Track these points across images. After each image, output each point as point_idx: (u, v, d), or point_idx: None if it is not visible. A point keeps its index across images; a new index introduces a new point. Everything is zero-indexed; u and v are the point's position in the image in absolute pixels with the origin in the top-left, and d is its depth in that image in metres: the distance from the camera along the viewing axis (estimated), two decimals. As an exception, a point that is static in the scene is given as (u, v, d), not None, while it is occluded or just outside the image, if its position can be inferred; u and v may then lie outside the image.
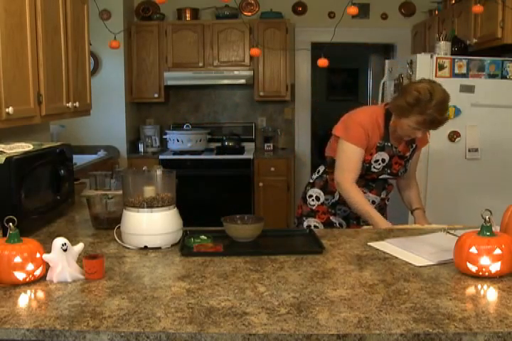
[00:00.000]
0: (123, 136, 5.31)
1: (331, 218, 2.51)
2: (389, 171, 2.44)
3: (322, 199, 2.53)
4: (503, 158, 3.77)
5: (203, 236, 1.97)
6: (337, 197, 2.48)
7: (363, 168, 2.39)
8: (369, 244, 1.95)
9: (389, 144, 2.39)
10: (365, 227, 2.31)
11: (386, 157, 2.39)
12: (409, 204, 2.61)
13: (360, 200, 2.34)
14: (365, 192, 2.44)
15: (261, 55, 5.13)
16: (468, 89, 3.68)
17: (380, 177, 2.46)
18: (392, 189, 2.58)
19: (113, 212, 2.16)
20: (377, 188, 2.49)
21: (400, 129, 2.30)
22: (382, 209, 2.56)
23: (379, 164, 2.40)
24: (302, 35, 5.66)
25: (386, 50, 6.25)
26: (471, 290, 1.52)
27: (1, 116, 2.19)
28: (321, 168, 2.60)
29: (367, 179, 2.44)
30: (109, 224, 2.10)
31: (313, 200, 2.54)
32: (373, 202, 2.48)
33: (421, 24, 5.41)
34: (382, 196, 2.52)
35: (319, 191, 2.53)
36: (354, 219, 2.51)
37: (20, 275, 1.52)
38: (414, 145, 2.47)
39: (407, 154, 2.46)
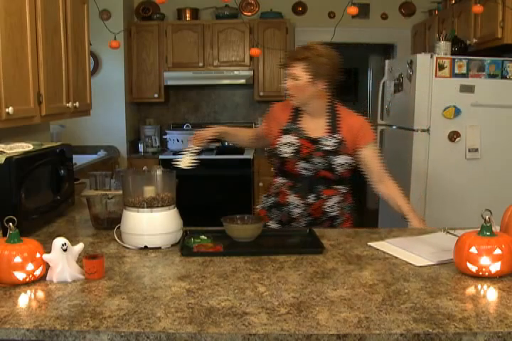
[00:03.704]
0: (123, 136, 5.31)
1: (269, 223, 2.39)
2: (299, 156, 2.28)
3: (262, 202, 2.47)
4: (503, 158, 3.78)
5: (203, 236, 1.97)
6: (271, 200, 2.40)
7: (274, 155, 2.33)
8: (369, 244, 1.95)
9: (295, 127, 2.33)
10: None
11: (293, 140, 2.30)
12: (398, 209, 2.33)
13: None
14: (288, 194, 2.32)
15: (261, 55, 5.13)
16: (468, 89, 3.69)
17: (300, 169, 2.29)
18: (333, 196, 2.32)
19: (113, 212, 2.16)
20: (302, 190, 2.31)
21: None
22: (319, 220, 2.32)
23: (287, 147, 2.29)
24: (302, 35, 5.65)
25: (386, 50, 6.25)
26: (471, 290, 1.52)
27: (1, 116, 2.19)
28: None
29: (291, 176, 2.31)
30: (109, 224, 2.11)
31: (259, 204, 2.50)
32: (296, 207, 2.30)
33: (421, 24, 5.41)
34: (309, 201, 2.30)
35: (264, 194, 2.49)
36: (286, 223, 2.35)
37: (20, 275, 1.52)
38: (337, 136, 2.28)
39: (322, 141, 2.27)
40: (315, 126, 2.31)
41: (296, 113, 2.35)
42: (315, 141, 2.28)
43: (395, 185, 2.37)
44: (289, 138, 2.30)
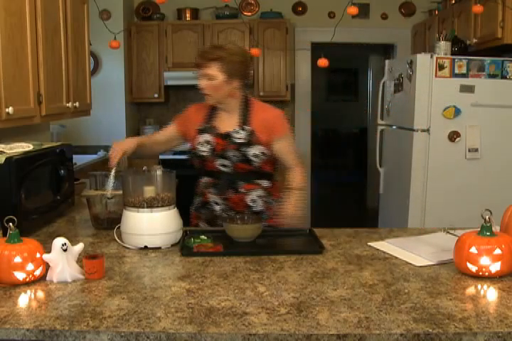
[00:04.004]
0: (123, 136, 5.30)
1: (199, 223, 2.42)
2: (216, 153, 2.32)
3: (193, 204, 2.48)
4: (503, 158, 3.77)
5: (203, 236, 1.97)
6: (198, 200, 2.43)
7: (194, 154, 2.38)
8: (369, 244, 1.95)
9: (209, 125, 2.36)
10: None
11: (208, 138, 2.33)
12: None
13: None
14: (210, 192, 2.36)
15: (261, 55, 5.13)
16: (468, 89, 3.69)
17: (218, 165, 2.32)
18: (254, 190, 2.35)
19: (113, 212, 2.16)
20: (222, 186, 2.34)
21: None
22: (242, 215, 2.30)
23: (204, 146, 2.33)
24: (302, 35, 5.66)
25: (386, 50, 6.25)
26: (471, 290, 1.52)
27: (1, 116, 2.19)
28: None
29: (212, 174, 2.34)
30: (109, 224, 2.11)
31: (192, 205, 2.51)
32: (216, 204, 2.34)
33: (421, 24, 5.41)
34: (227, 195, 2.34)
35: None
36: (212, 222, 2.37)
37: (20, 275, 1.52)
38: (247, 128, 2.29)
39: (233, 134, 2.30)
40: (228, 122, 2.35)
41: (212, 112, 2.38)
42: (226, 136, 2.32)
43: (301, 173, 2.45)
44: (205, 137, 2.34)
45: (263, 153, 2.31)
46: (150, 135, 2.55)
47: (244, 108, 2.34)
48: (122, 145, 2.24)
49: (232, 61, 2.22)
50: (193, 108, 2.48)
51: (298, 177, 2.44)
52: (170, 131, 2.50)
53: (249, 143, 2.30)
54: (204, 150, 2.34)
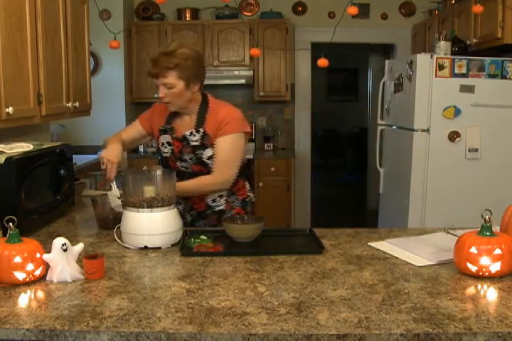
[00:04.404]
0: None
1: None
2: (175, 155, 2.32)
3: None
4: (503, 158, 3.77)
5: (203, 236, 1.97)
6: None
7: (159, 154, 2.39)
8: (369, 244, 1.95)
9: (169, 127, 2.35)
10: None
11: (169, 139, 2.34)
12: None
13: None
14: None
15: (261, 55, 5.13)
16: (468, 89, 3.69)
17: (179, 167, 2.31)
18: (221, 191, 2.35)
19: (119, 212, 2.12)
20: None
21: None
22: (204, 214, 2.36)
23: (165, 147, 2.35)
24: (302, 35, 5.66)
25: (386, 50, 6.25)
26: (471, 290, 1.52)
27: (1, 116, 2.19)
28: None
29: (177, 173, 2.25)
30: (115, 223, 2.07)
31: None
32: (179, 203, 2.25)
33: (421, 24, 5.41)
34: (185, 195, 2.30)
35: None
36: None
37: (20, 275, 1.52)
38: (201, 130, 2.27)
39: (189, 137, 2.29)
40: (185, 124, 2.34)
41: (173, 113, 2.36)
42: (183, 139, 2.32)
43: (207, 179, 2.27)
44: (167, 138, 2.36)
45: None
46: (119, 133, 2.49)
47: (202, 109, 2.32)
48: (113, 155, 2.20)
49: (189, 66, 2.18)
50: (157, 107, 2.46)
51: (197, 184, 2.27)
52: (136, 129, 2.50)
53: (203, 146, 2.28)
54: (165, 151, 2.36)
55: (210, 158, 2.28)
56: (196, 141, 2.28)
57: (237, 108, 2.39)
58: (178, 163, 2.33)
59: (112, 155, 2.21)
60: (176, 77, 2.18)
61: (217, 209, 2.36)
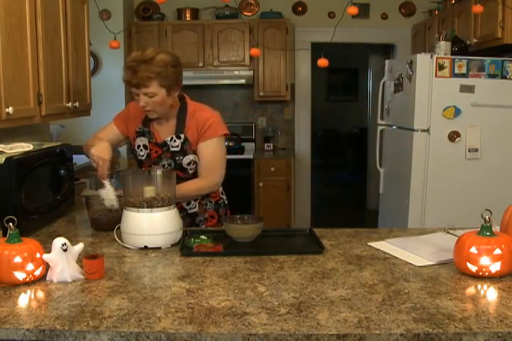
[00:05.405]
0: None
1: None
2: (151, 159, 2.32)
3: None
4: (503, 158, 3.77)
5: (203, 236, 1.97)
6: None
7: (134, 155, 2.38)
8: (369, 244, 1.95)
9: (147, 130, 2.33)
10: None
11: (146, 143, 2.32)
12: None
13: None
14: None
15: (261, 55, 5.13)
16: (468, 89, 3.69)
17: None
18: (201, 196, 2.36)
19: (115, 211, 2.12)
20: None
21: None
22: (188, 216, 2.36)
23: (141, 150, 2.33)
24: (302, 35, 5.66)
25: (386, 50, 6.25)
26: (471, 290, 1.52)
27: (1, 116, 2.19)
28: None
29: None
30: (109, 225, 2.07)
31: None
32: None
33: (421, 24, 5.41)
34: None
35: None
36: None
37: (20, 275, 1.52)
38: (182, 136, 2.27)
39: (169, 143, 2.28)
40: (164, 129, 2.32)
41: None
42: (163, 145, 2.30)
43: (202, 183, 2.29)
44: (143, 141, 2.34)
45: (194, 162, 2.29)
46: (96, 136, 2.39)
47: (181, 113, 2.30)
48: (104, 152, 2.17)
49: (169, 73, 2.15)
50: (133, 106, 2.40)
51: (196, 188, 2.29)
52: (113, 132, 2.43)
53: (183, 152, 2.28)
54: (141, 154, 2.35)
55: (189, 163, 2.28)
56: (177, 146, 2.27)
57: (215, 110, 2.37)
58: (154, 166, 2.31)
59: (102, 152, 2.17)
60: (158, 85, 2.14)
61: (190, 211, 2.36)
